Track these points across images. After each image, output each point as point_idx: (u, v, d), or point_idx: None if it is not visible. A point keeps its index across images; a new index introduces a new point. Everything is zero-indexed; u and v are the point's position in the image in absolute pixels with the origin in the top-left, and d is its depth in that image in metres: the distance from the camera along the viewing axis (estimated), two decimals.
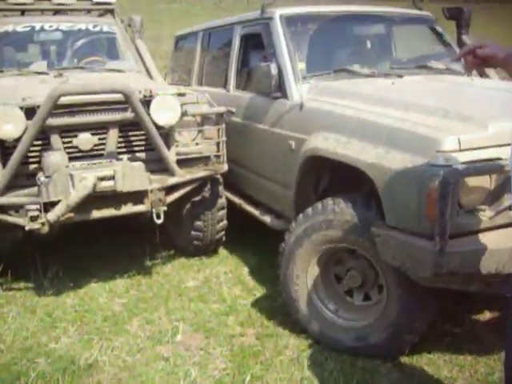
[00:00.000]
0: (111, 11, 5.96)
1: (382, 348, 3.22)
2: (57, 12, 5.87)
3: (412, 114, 3.13)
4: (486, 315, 3.77)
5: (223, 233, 4.82)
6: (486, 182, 2.73)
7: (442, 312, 3.41)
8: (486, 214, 2.76)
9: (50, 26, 5.56)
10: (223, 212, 4.71)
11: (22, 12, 5.75)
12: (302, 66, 4.13)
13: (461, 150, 2.70)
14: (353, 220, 3.12)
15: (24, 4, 5.55)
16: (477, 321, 3.73)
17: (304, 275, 3.43)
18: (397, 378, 3.13)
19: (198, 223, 4.63)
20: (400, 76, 4.17)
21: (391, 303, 3.12)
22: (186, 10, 30.74)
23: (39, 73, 4.97)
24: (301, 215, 3.46)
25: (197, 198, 4.51)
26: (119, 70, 5.23)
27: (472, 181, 2.69)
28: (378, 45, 4.92)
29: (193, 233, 4.68)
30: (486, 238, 2.72)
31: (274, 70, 4.03)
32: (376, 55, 4.85)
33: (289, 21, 4.32)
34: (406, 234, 2.80)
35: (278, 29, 4.27)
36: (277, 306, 3.92)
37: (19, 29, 5.47)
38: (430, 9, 5.16)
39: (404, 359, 3.26)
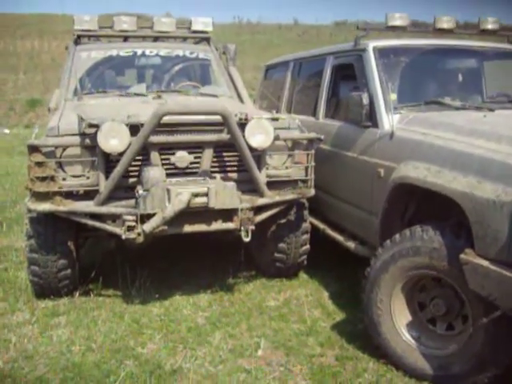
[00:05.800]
0: (207, 39, 6.29)
1: (463, 379, 3.19)
2: (156, 39, 6.22)
3: (504, 145, 3.16)
4: None
5: (305, 256, 4.90)
6: None
7: None
8: None
9: (151, 52, 5.95)
10: (307, 236, 4.80)
11: (125, 38, 6.14)
12: (393, 96, 4.22)
13: None
14: (441, 248, 3.15)
15: (128, 31, 5.91)
16: None
17: (388, 300, 3.47)
18: None
19: (282, 245, 4.73)
20: (491, 110, 4.18)
21: (476, 334, 3.10)
22: (268, 41, 31.39)
23: (138, 94, 5.29)
24: (388, 241, 3.51)
25: (282, 221, 4.64)
26: (213, 95, 5.48)
27: None
28: (470, 78, 4.93)
29: (276, 255, 4.79)
30: None
31: (365, 100, 4.14)
32: (467, 89, 4.86)
33: (381, 53, 4.43)
34: (495, 264, 2.81)
35: (371, 60, 4.38)
36: (357, 331, 3.97)
37: (122, 53, 5.85)
38: None
39: None
